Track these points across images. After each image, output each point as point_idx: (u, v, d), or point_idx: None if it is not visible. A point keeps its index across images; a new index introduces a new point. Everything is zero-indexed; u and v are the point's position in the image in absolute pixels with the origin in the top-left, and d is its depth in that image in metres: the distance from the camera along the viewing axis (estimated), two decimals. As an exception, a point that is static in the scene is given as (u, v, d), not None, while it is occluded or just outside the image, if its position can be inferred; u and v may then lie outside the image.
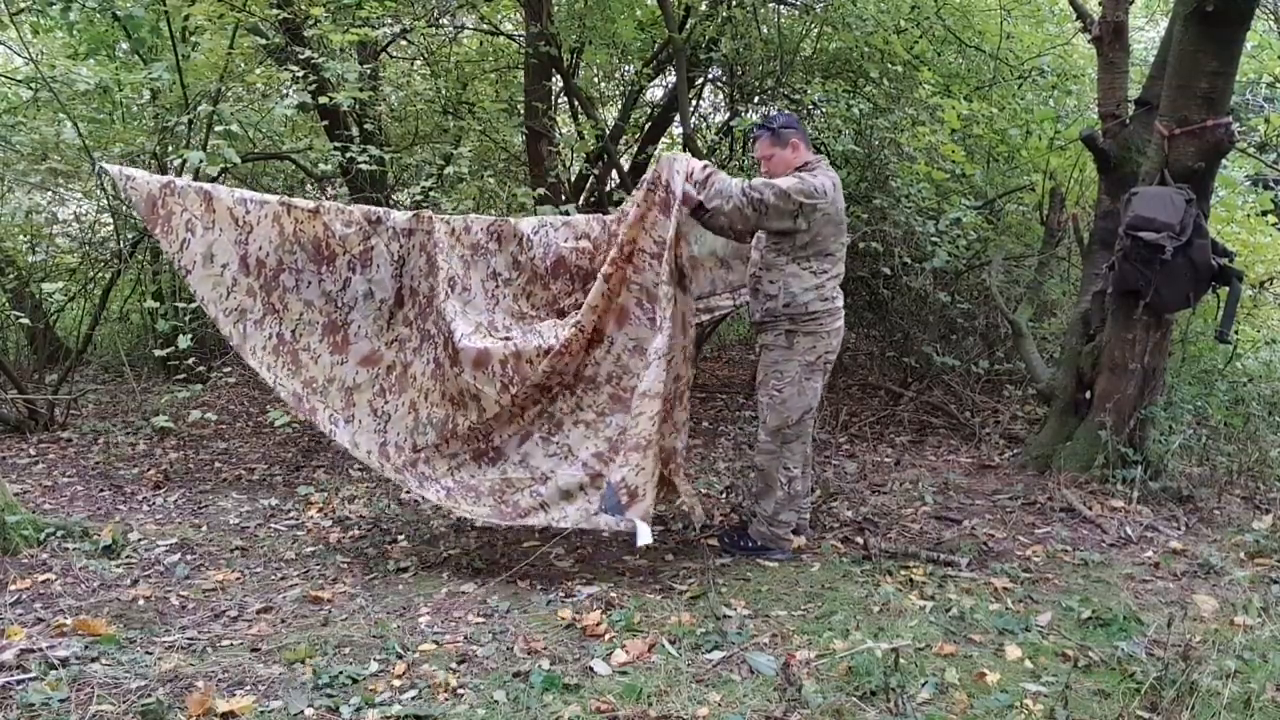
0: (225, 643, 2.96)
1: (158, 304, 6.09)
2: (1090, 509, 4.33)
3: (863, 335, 7.27)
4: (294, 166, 8.35)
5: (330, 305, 3.67)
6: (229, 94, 6.66)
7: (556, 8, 7.13)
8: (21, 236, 7.23)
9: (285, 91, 7.14)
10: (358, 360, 3.69)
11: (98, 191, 6.80)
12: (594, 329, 3.62)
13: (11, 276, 6.90)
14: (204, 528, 4.18)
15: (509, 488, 3.65)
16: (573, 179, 7.66)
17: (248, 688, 2.64)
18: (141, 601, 3.30)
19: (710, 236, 4.08)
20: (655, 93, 8.73)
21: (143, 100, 7.31)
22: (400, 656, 2.86)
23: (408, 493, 3.85)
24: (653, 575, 3.58)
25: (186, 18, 6.02)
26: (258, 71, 7.48)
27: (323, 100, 5.96)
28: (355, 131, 6.68)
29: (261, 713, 2.51)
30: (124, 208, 6.25)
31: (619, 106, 8.47)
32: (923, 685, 2.62)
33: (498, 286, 3.79)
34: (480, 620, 3.18)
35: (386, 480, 3.91)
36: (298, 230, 3.62)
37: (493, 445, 3.73)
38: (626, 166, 7.76)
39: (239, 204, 3.60)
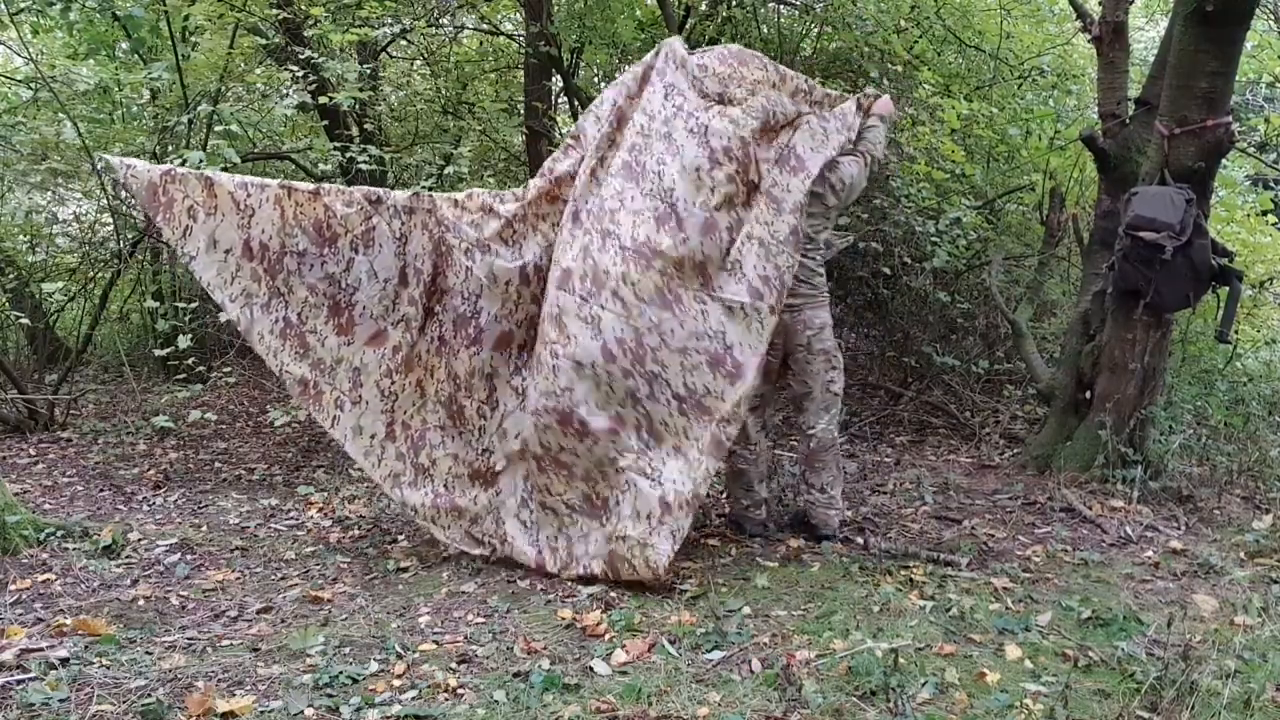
0: (225, 643, 2.96)
1: (158, 304, 6.10)
2: (1090, 509, 4.33)
3: (863, 335, 7.27)
4: (294, 166, 8.35)
5: (334, 287, 3.68)
6: (229, 94, 6.66)
7: (556, 8, 7.13)
8: (21, 236, 7.24)
9: (285, 91, 7.15)
10: (364, 341, 3.70)
11: (98, 191, 6.80)
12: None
13: (11, 276, 6.90)
14: (204, 528, 4.18)
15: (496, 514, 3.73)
16: (573, 179, 7.64)
17: (248, 688, 2.64)
18: (141, 601, 3.30)
19: None
20: (655, 93, 8.71)
21: (143, 100, 7.31)
22: (400, 656, 2.87)
23: (397, 501, 3.83)
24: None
25: (186, 18, 6.03)
26: (258, 71, 7.49)
27: (323, 100, 5.96)
28: (355, 131, 6.68)
29: (261, 713, 2.51)
30: (124, 207, 6.26)
31: (619, 106, 8.45)
32: (923, 685, 2.62)
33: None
34: (480, 620, 3.18)
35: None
36: (299, 213, 3.64)
37: (492, 467, 3.76)
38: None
39: (240, 188, 3.61)
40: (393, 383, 3.73)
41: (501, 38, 8.52)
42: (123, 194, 6.46)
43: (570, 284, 3.59)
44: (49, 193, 7.62)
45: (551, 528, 3.65)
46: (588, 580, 3.51)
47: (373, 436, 3.72)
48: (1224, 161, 4.88)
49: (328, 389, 3.67)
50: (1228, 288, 4.34)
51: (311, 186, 3.71)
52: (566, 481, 3.59)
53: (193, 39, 6.80)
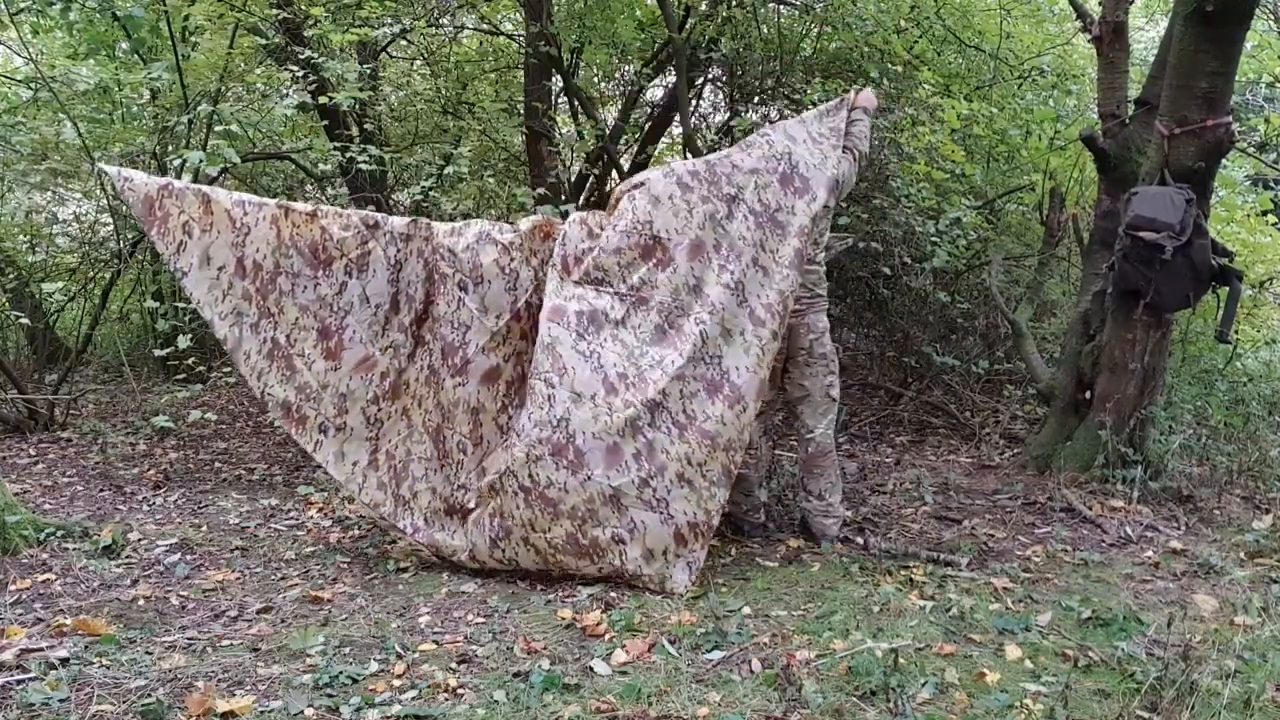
0: (225, 643, 2.96)
1: (158, 304, 6.10)
2: (1090, 509, 4.33)
3: (863, 335, 7.28)
4: (294, 166, 8.35)
5: (325, 310, 3.65)
6: (229, 94, 6.66)
7: (556, 8, 7.13)
8: (21, 236, 7.24)
9: (285, 91, 7.15)
10: (352, 366, 3.66)
11: (98, 191, 6.81)
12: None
13: (11, 276, 6.90)
14: (204, 528, 4.17)
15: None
16: (573, 179, 7.65)
17: (248, 688, 2.64)
18: (141, 601, 3.30)
19: None
20: (655, 93, 8.73)
21: (143, 100, 7.31)
22: (400, 656, 2.87)
23: (381, 519, 3.80)
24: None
25: (186, 18, 6.03)
26: (258, 71, 7.48)
27: (323, 100, 5.96)
28: (355, 131, 6.69)
29: (261, 713, 2.51)
30: (124, 207, 6.26)
31: (619, 106, 8.47)
32: (923, 685, 2.62)
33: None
34: (480, 620, 3.18)
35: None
36: (294, 234, 3.62)
37: (465, 505, 3.68)
38: (626, 166, 7.76)
39: (237, 206, 3.60)
40: (379, 410, 3.69)
41: (501, 38, 8.52)
42: (120, 196, 6.46)
43: (565, 318, 3.54)
44: (49, 193, 7.62)
45: (538, 562, 3.51)
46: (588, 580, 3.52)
47: (355, 464, 3.69)
48: (1224, 161, 4.89)
49: (312, 414, 3.63)
50: (1228, 288, 4.34)
51: (309, 207, 3.69)
52: (551, 519, 3.39)
53: (193, 39, 6.80)
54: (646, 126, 8.33)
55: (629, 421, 3.40)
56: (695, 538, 3.42)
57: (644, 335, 3.52)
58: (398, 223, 3.75)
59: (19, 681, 2.59)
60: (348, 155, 5.65)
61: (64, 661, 2.72)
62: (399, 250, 3.70)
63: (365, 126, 6.63)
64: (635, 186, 3.75)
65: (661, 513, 3.38)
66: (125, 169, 3.77)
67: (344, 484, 3.72)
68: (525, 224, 3.84)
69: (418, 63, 8.87)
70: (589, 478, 3.36)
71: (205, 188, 3.70)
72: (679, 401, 3.44)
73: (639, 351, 3.50)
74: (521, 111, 7.63)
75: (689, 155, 6.88)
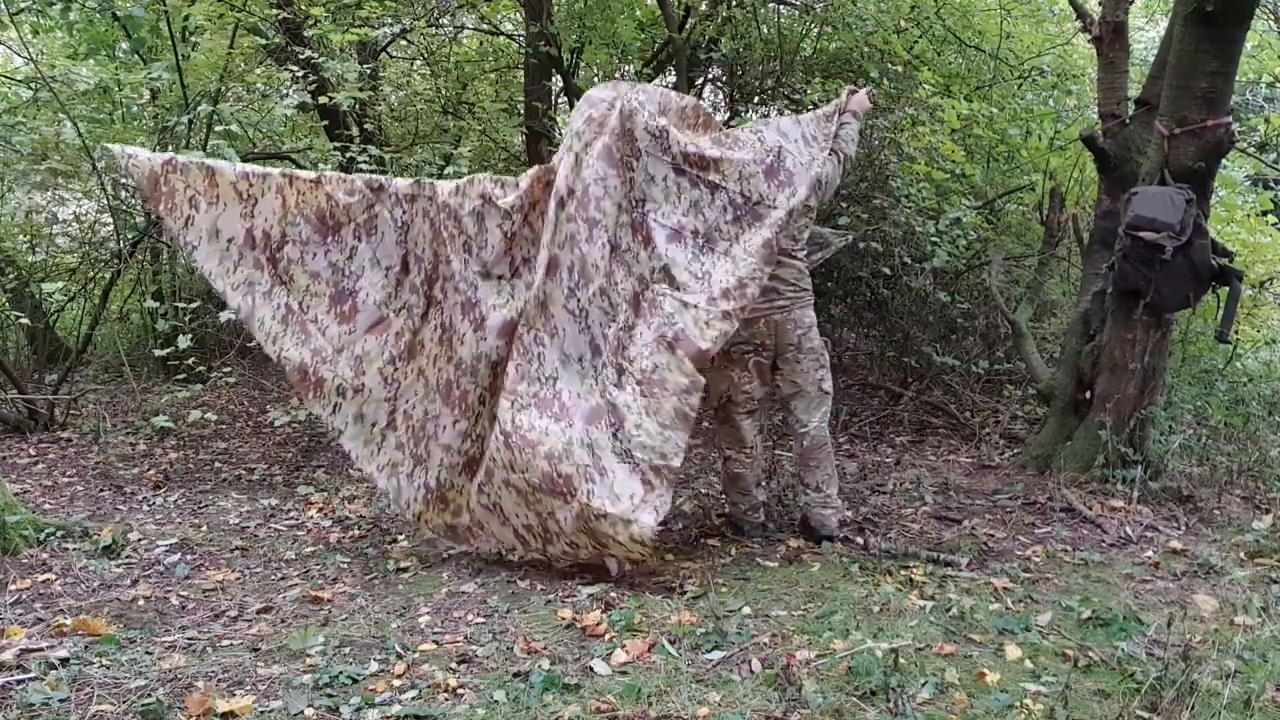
0: (225, 643, 2.96)
1: (158, 304, 6.10)
2: (1090, 509, 4.33)
3: (863, 335, 7.28)
4: (294, 166, 8.35)
5: (337, 275, 3.70)
6: (229, 94, 6.67)
7: (556, 8, 7.13)
8: (21, 236, 7.24)
9: (285, 91, 7.16)
10: (365, 328, 3.70)
11: (98, 191, 6.81)
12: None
13: (11, 276, 6.90)
14: (204, 528, 4.18)
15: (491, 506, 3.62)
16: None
17: (248, 688, 2.64)
18: (141, 601, 3.30)
19: None
20: (655, 93, 8.72)
21: (143, 100, 7.31)
22: (400, 656, 2.87)
23: (391, 492, 3.79)
24: (653, 575, 3.58)
25: (186, 18, 6.04)
26: (258, 71, 7.50)
27: (323, 100, 5.97)
28: (355, 131, 6.69)
29: (261, 713, 2.51)
30: (124, 207, 6.27)
31: (619, 106, 8.46)
32: (923, 685, 2.62)
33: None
34: (480, 620, 3.18)
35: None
36: (301, 202, 3.66)
37: (484, 451, 3.69)
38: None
39: (242, 178, 3.64)
40: (395, 369, 3.71)
41: (501, 38, 8.53)
42: (123, 194, 6.46)
43: (558, 274, 3.58)
44: (49, 193, 7.63)
45: (520, 506, 3.55)
46: (588, 572, 3.52)
47: (374, 425, 3.72)
48: (1224, 161, 4.88)
49: (329, 375, 3.66)
50: (1228, 288, 4.34)
51: (313, 175, 3.74)
52: (530, 458, 3.44)
53: (193, 39, 6.81)
54: (646, 126, 8.32)
55: (605, 381, 3.53)
56: (660, 481, 3.45)
57: (625, 295, 3.60)
58: (401, 184, 3.77)
59: (19, 681, 2.59)
60: (348, 155, 5.66)
61: (64, 661, 2.72)
62: (405, 211, 3.73)
63: (365, 126, 6.63)
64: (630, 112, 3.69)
65: (629, 462, 3.44)
66: (130, 147, 3.79)
67: (361, 448, 3.72)
68: (524, 180, 3.81)
69: (418, 63, 8.88)
70: (570, 425, 3.46)
71: (209, 161, 3.72)
72: (639, 362, 3.54)
73: (619, 311, 3.59)
74: (521, 111, 7.64)
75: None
